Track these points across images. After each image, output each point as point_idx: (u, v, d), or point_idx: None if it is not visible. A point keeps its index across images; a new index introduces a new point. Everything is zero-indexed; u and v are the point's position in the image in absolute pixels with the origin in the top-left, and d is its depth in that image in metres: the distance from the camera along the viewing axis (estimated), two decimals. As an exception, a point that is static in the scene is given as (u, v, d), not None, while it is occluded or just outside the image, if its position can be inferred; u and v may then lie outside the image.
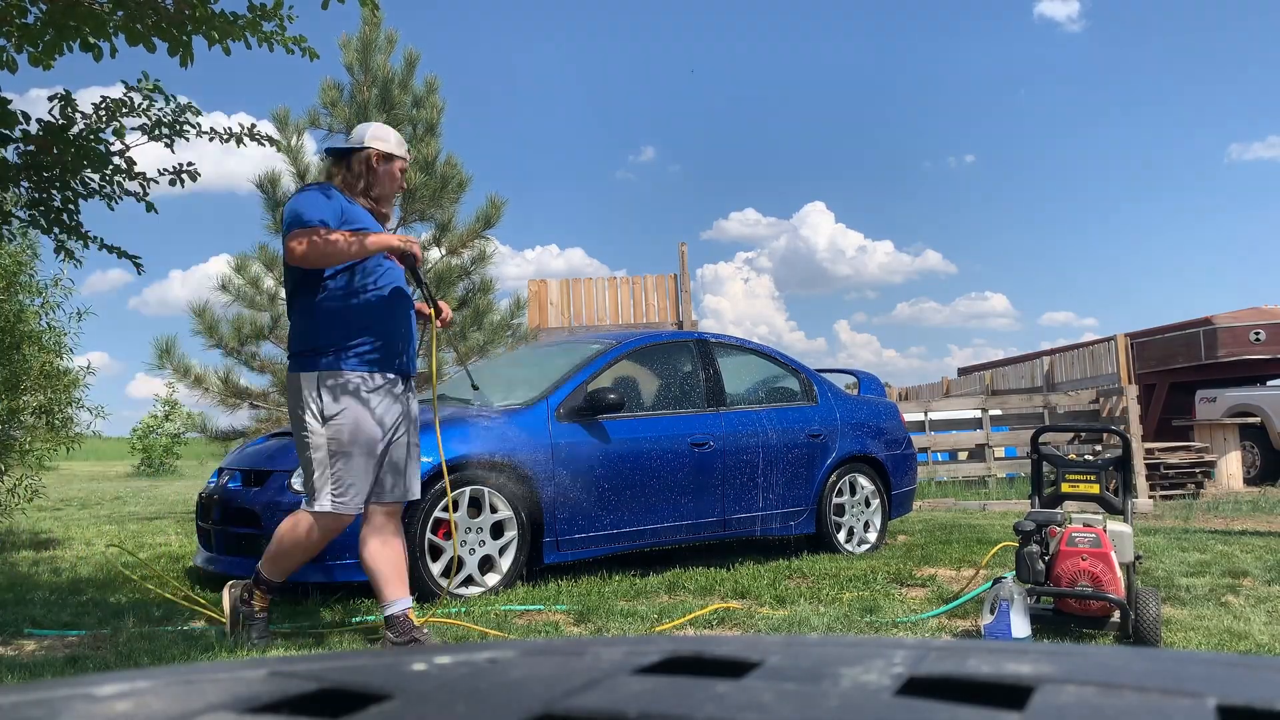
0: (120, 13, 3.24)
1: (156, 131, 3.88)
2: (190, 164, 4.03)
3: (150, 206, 3.98)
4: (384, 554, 3.23)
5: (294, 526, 3.22)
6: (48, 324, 6.74)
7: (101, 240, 3.87)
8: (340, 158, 3.38)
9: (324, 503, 3.15)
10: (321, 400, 3.14)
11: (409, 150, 3.64)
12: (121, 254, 3.91)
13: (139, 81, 3.83)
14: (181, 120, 3.90)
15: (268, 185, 8.41)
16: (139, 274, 4.08)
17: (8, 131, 3.45)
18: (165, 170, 4.00)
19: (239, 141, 4.06)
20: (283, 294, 8.52)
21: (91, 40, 3.28)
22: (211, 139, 4.03)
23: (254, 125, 4.13)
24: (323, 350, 3.16)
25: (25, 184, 3.66)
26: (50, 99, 3.70)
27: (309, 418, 3.15)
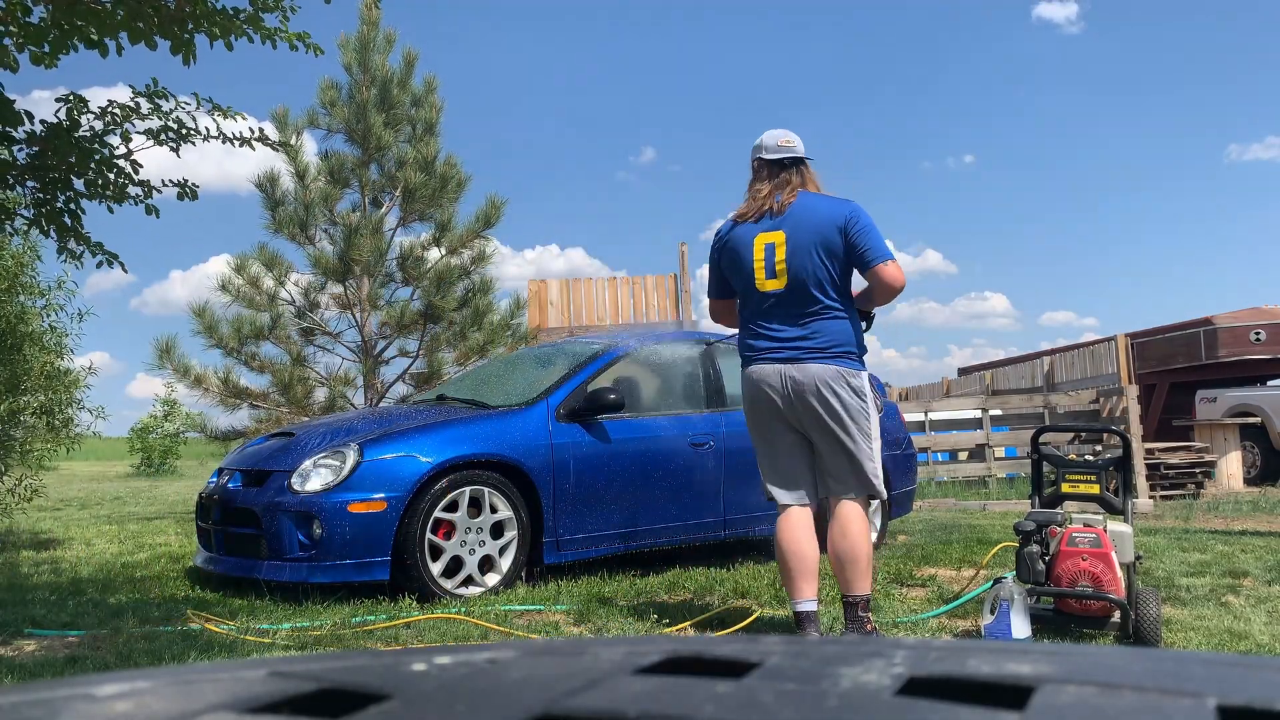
0: (121, 11, 3.24)
1: (162, 136, 3.90)
2: (195, 185, 4.06)
3: (152, 210, 3.99)
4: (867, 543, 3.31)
5: (859, 527, 3.22)
6: (49, 325, 6.74)
7: (101, 245, 3.89)
8: (803, 166, 3.40)
9: (883, 487, 3.31)
10: (878, 397, 3.38)
11: None
12: (113, 259, 3.92)
13: (147, 87, 3.84)
14: (188, 129, 3.92)
15: (267, 185, 8.41)
16: (124, 272, 4.10)
17: (12, 130, 3.45)
18: (169, 182, 4.03)
19: (249, 145, 4.09)
20: (281, 294, 8.55)
21: (95, 38, 3.28)
22: (225, 142, 4.05)
23: (261, 130, 4.16)
24: (862, 353, 3.34)
25: (31, 184, 3.67)
26: (59, 100, 3.71)
27: (873, 410, 3.28)
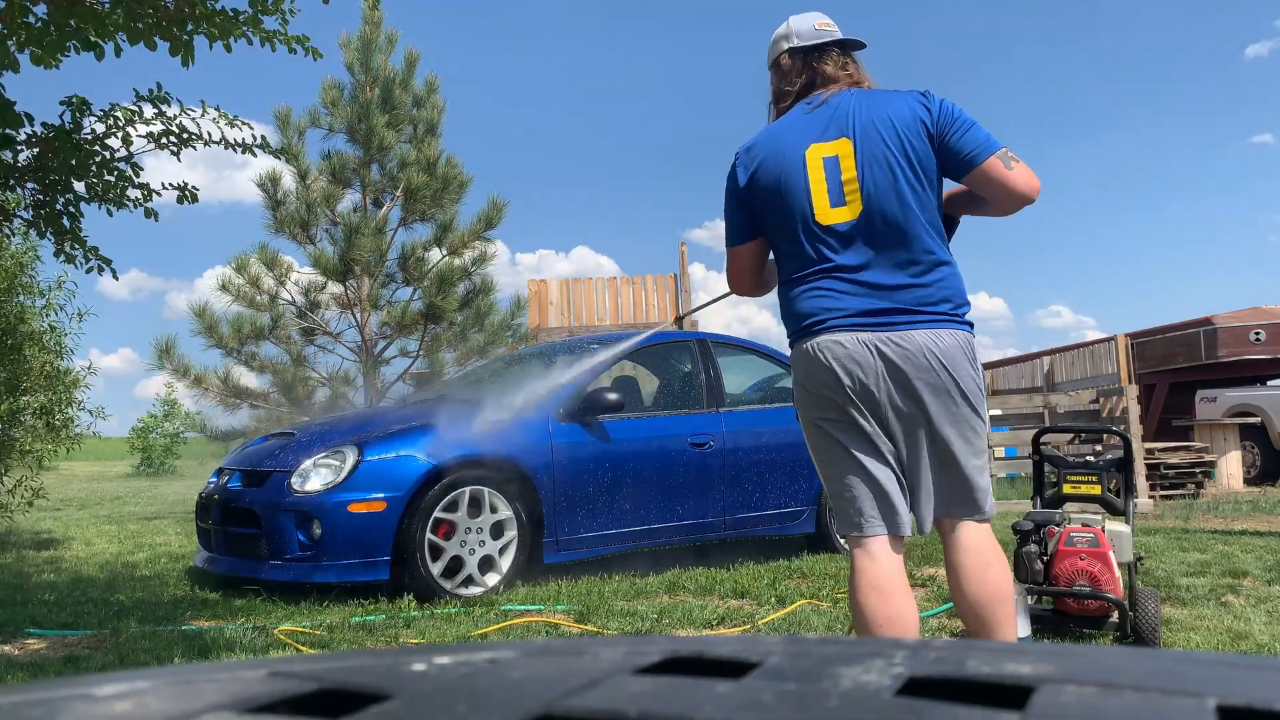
0: (119, 11, 3.24)
1: (164, 140, 3.92)
2: (195, 188, 4.08)
3: (151, 213, 4.01)
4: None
5: (999, 555, 2.29)
6: (49, 325, 6.75)
7: (96, 249, 3.91)
8: (852, 55, 2.43)
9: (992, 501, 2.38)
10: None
11: None
12: (105, 263, 3.94)
13: (151, 91, 3.85)
14: (190, 134, 3.94)
15: (268, 185, 8.43)
16: (115, 279, 4.12)
17: (13, 133, 3.46)
18: (169, 185, 4.04)
19: (250, 151, 4.10)
20: (282, 294, 8.55)
21: (93, 39, 3.29)
22: (226, 148, 4.06)
23: (263, 137, 4.19)
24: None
25: (31, 185, 3.68)
26: (62, 102, 3.73)
27: (982, 393, 2.31)
